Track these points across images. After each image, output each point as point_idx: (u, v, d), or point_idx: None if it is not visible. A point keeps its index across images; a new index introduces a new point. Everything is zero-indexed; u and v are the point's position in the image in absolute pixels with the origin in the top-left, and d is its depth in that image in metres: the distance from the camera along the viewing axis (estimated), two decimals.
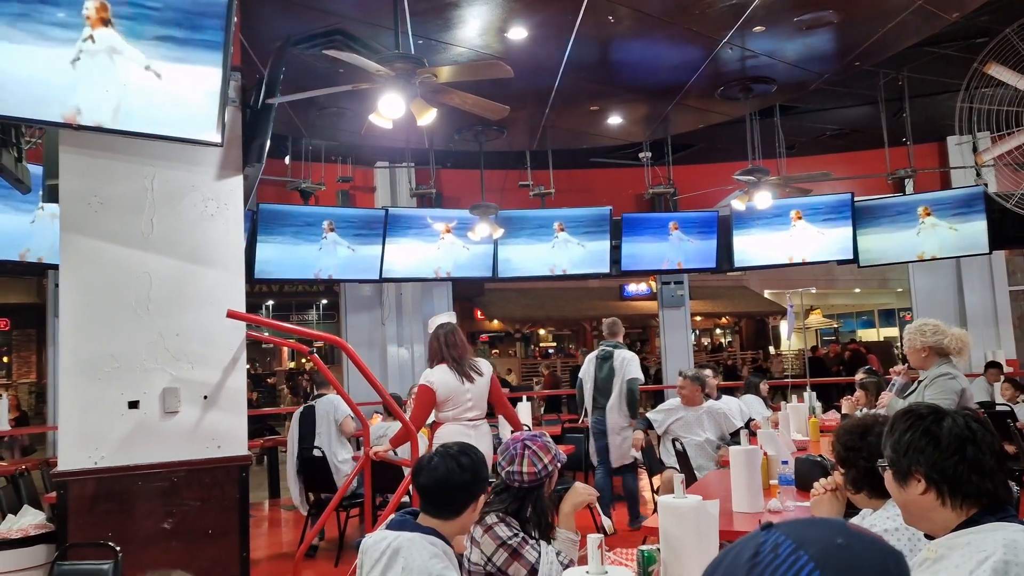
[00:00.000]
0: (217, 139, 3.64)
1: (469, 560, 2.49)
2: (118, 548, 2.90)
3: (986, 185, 9.18)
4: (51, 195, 4.03)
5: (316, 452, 6.31)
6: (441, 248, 9.47)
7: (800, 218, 9.66)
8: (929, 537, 1.75)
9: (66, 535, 3.72)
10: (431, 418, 4.74)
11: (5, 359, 18.25)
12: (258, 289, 18.21)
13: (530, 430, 2.92)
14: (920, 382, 4.32)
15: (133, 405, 3.91)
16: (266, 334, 6.15)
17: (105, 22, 3.31)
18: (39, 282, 10.78)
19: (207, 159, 4.20)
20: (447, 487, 2.25)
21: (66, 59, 3.27)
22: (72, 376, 3.83)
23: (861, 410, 5.77)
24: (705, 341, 26.37)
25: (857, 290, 24.96)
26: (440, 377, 4.65)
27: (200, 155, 4.16)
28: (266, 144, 4.39)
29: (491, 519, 2.48)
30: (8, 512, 4.49)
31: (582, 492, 2.58)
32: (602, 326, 7.43)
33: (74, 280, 3.89)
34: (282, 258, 8.65)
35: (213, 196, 4.21)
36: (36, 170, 4.47)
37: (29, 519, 4.25)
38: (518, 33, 6.22)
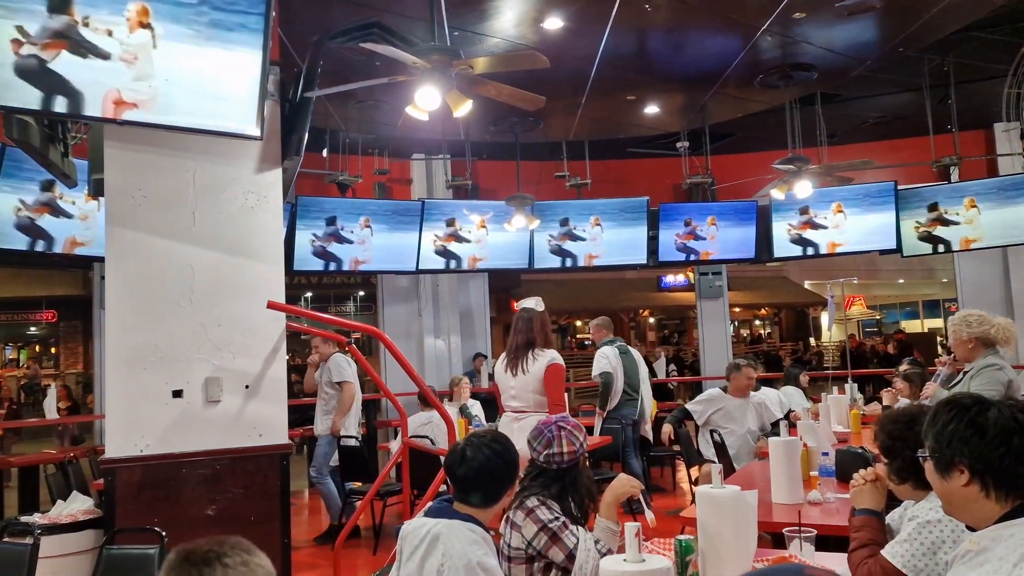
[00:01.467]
0: (256, 133, 3.68)
1: (509, 545, 2.50)
2: (164, 533, 2.97)
3: None
4: (97, 189, 4.12)
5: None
6: (477, 239, 9.49)
7: (841, 210, 9.51)
8: (971, 528, 1.72)
9: (113, 521, 3.82)
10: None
11: (53, 350, 18.73)
12: (297, 281, 18.42)
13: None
14: (966, 373, 4.24)
15: (177, 394, 3.99)
16: (305, 325, 6.23)
17: (144, 22, 3.37)
18: (85, 274, 11.02)
19: (247, 153, 4.26)
20: (485, 477, 2.27)
21: (110, 54, 3.33)
22: (118, 366, 3.92)
23: (901, 401, 5.67)
24: (744, 332, 26.11)
25: (901, 280, 24.50)
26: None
27: (240, 149, 4.22)
28: (304, 137, 4.44)
29: (532, 502, 2.50)
30: (58, 498, 4.62)
31: (625, 483, 2.58)
32: (598, 324, 7.20)
33: (120, 272, 3.97)
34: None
35: (253, 189, 4.28)
36: (83, 164, 4.56)
37: (78, 505, 4.37)
38: (554, 23, 6.19)
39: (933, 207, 9.21)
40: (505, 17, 6.06)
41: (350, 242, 8.91)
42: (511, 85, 5.05)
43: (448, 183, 10.31)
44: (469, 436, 2.42)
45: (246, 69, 3.60)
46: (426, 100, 4.28)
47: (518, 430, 4.48)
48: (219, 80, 3.56)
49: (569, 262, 9.82)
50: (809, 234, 9.67)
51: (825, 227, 9.62)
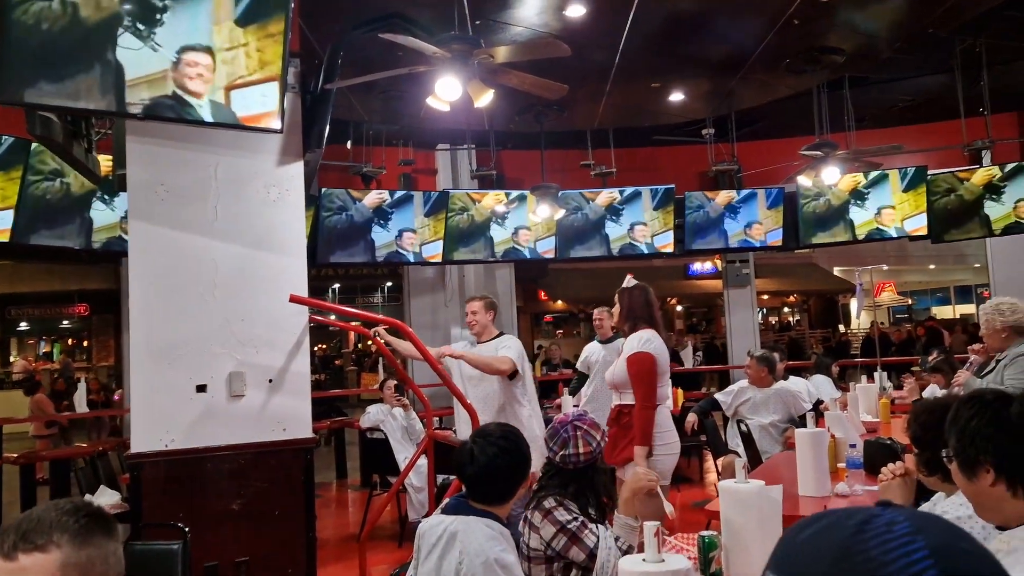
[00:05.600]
0: (278, 126, 3.67)
1: (528, 546, 2.48)
2: (187, 529, 2.99)
3: None
4: (120, 184, 4.15)
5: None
6: (504, 229, 9.47)
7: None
8: (1001, 528, 1.67)
9: (140, 515, 3.85)
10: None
11: (86, 343, 19.02)
12: (324, 272, 18.52)
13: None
14: (999, 361, 4.15)
15: (201, 389, 4.01)
16: (332, 317, 6.24)
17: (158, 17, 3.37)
18: (116, 268, 11.16)
19: (268, 146, 4.26)
20: (494, 475, 2.24)
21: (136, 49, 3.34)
22: (142, 361, 3.95)
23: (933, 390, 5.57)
24: (772, 320, 25.84)
25: (932, 266, 24.08)
26: (660, 344, 3.95)
27: (261, 142, 4.22)
28: (325, 130, 4.43)
29: (549, 503, 2.47)
30: (87, 492, 4.68)
31: (642, 477, 2.54)
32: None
33: (143, 267, 4.00)
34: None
35: (275, 182, 4.28)
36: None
37: (106, 499, 4.43)
38: (576, 10, 6.13)
39: None
40: (527, 5, 6.01)
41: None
42: (534, 74, 5.01)
43: (473, 173, 10.29)
44: (475, 433, 2.38)
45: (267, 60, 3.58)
46: (447, 90, 4.25)
47: (667, 417, 4.01)
48: (239, 72, 3.55)
49: (597, 252, 9.76)
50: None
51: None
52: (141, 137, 4.03)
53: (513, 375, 4.55)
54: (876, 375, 6.77)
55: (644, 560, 1.60)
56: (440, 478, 5.38)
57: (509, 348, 4.58)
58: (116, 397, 11.55)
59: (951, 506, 2.13)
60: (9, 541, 1.21)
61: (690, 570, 1.59)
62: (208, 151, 4.14)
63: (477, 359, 4.52)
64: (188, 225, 4.08)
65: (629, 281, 4.20)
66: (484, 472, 2.23)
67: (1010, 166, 9.08)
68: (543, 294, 21.52)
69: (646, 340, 3.94)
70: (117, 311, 11.49)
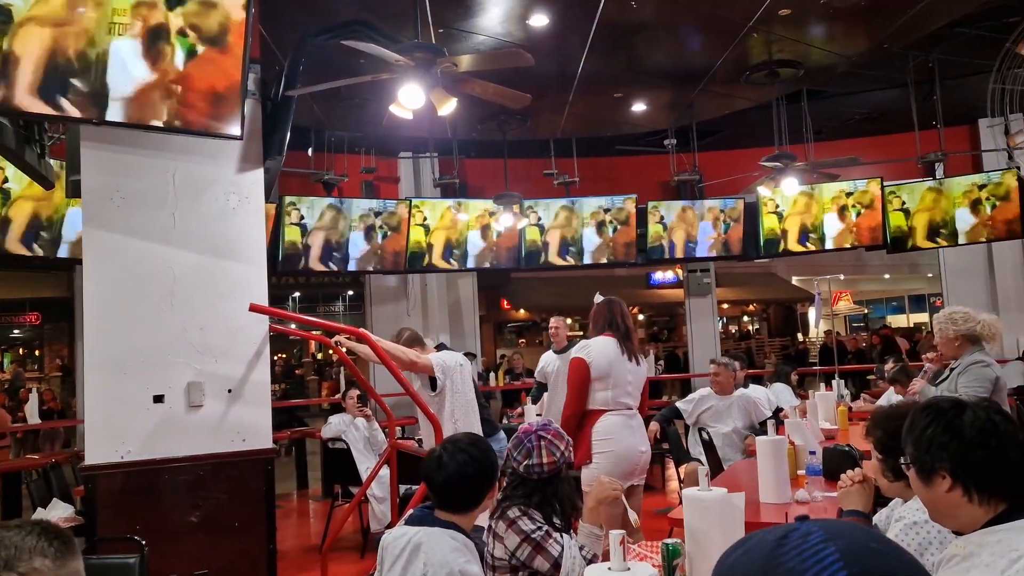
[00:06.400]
0: (237, 132, 3.63)
1: (492, 555, 2.46)
2: (144, 542, 2.92)
3: (1019, 168, 8.98)
4: (74, 190, 4.06)
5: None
6: (465, 238, 9.46)
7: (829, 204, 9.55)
8: (957, 533, 1.69)
9: (95, 528, 3.76)
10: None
11: (37, 352, 18.56)
12: (284, 281, 18.32)
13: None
14: (952, 369, 4.24)
15: (158, 399, 3.93)
16: (292, 327, 6.17)
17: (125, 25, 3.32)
18: (69, 276, 10.92)
19: (227, 153, 4.20)
20: (462, 483, 2.23)
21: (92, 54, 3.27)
22: (97, 370, 3.86)
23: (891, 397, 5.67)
24: (732, 328, 26.15)
25: (887, 276, 24.58)
26: (599, 347, 4.02)
27: (220, 149, 4.16)
28: (286, 136, 4.39)
29: (513, 513, 2.45)
30: (39, 505, 4.55)
31: (607, 486, 2.54)
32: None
33: (98, 275, 3.91)
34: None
35: (235, 190, 4.22)
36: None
37: (59, 512, 4.31)
38: (540, 20, 6.16)
39: None
40: (490, 14, 6.02)
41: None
42: (497, 83, 5.01)
43: (436, 182, 10.26)
44: (445, 441, 2.37)
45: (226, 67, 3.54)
46: (410, 98, 4.23)
47: (637, 428, 4.10)
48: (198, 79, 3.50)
49: (558, 260, 9.79)
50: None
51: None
52: (95, 143, 3.95)
53: (433, 386, 4.52)
54: (834, 383, 6.88)
55: (610, 569, 1.60)
56: (403, 488, 5.34)
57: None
58: (74, 406, 11.29)
59: (908, 511, 2.16)
60: None
61: None
62: (165, 157, 4.07)
63: (390, 346, 4.40)
64: (145, 232, 4.01)
65: (597, 298, 4.32)
66: (452, 480, 2.21)
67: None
68: (506, 303, 21.53)
69: (582, 346, 4.09)
70: (70, 319, 11.24)
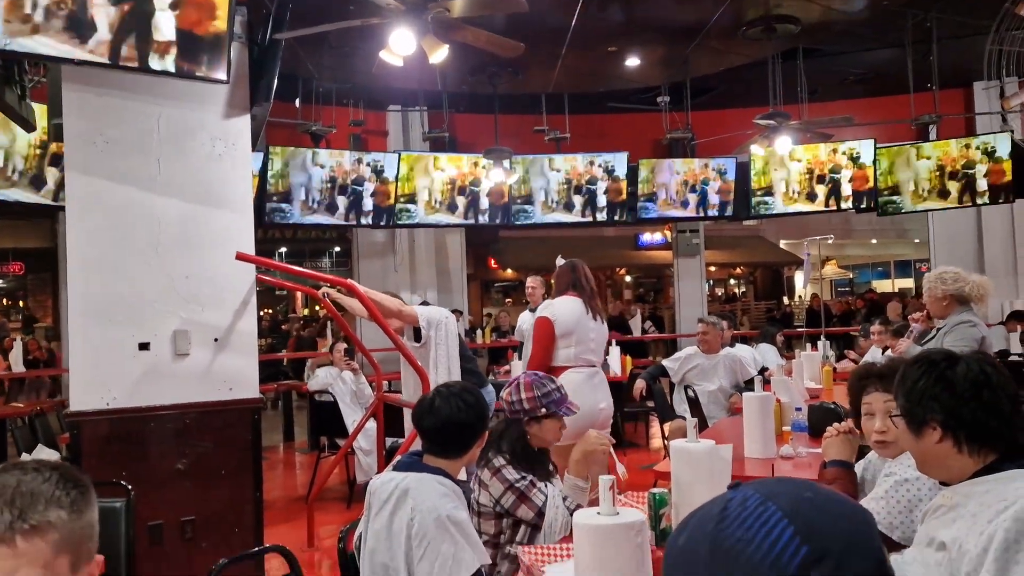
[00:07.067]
0: (223, 76, 3.54)
1: (478, 502, 2.48)
2: (130, 487, 2.90)
3: (1012, 131, 8.96)
4: (56, 134, 3.97)
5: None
6: (454, 194, 9.38)
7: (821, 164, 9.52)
8: (944, 484, 1.70)
9: None
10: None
11: (21, 304, 18.41)
12: (270, 235, 18.18)
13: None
14: (939, 329, 4.25)
15: (144, 347, 3.89)
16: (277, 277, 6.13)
17: None
18: (52, 225, 10.78)
19: (213, 98, 4.11)
20: (452, 427, 2.23)
21: None
22: (82, 317, 3.81)
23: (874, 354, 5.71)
24: (719, 291, 26.24)
25: (874, 241, 24.66)
26: (563, 306, 4.11)
27: (206, 94, 4.07)
28: (274, 82, 4.29)
29: (498, 461, 2.48)
30: (24, 451, 4.54)
31: (594, 440, 2.54)
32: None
33: (81, 221, 3.84)
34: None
35: (221, 136, 4.14)
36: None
37: (44, 457, 4.28)
38: None
39: None
40: None
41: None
42: (489, 31, 4.91)
43: (425, 135, 10.15)
44: (438, 387, 2.37)
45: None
46: (400, 44, 4.15)
47: (599, 385, 4.18)
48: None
49: (547, 219, 9.75)
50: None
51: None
52: (78, 84, 3.85)
53: (418, 337, 4.52)
54: (819, 344, 6.92)
55: (599, 513, 1.60)
56: (389, 441, 5.35)
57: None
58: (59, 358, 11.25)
59: (898, 467, 2.17)
60: (4, 521, 1.06)
61: (644, 523, 1.59)
62: (150, 101, 3.97)
63: (376, 296, 4.42)
64: (129, 178, 3.93)
65: (559, 261, 4.39)
66: (444, 425, 2.22)
67: None
68: (493, 262, 21.50)
69: (547, 305, 4.18)
70: (54, 270, 11.13)
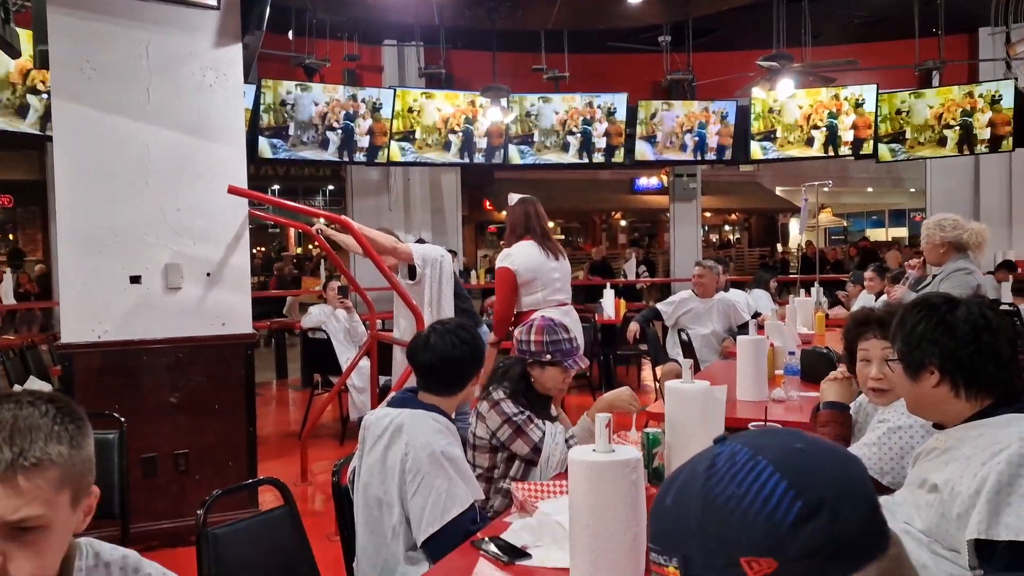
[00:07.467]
0: (213, 1, 3.43)
1: (474, 435, 2.49)
2: (123, 420, 2.90)
3: (1016, 79, 8.84)
4: (42, 61, 3.86)
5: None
6: (449, 131, 9.25)
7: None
8: (937, 427, 1.70)
9: None
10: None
11: (11, 237, 18.26)
12: (263, 172, 17.99)
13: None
14: (935, 276, 4.24)
15: (135, 280, 3.86)
16: (270, 212, 6.05)
17: None
18: (40, 157, 10.62)
19: (204, 26, 4.00)
20: (447, 364, 2.22)
21: None
22: (71, 249, 3.77)
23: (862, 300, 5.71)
24: (714, 237, 26.22)
25: (870, 189, 24.58)
26: (522, 254, 4.05)
27: (197, 20, 3.96)
28: (266, 10, 4.17)
29: (498, 394, 2.49)
30: (15, 383, 4.53)
31: (625, 396, 2.52)
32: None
33: (69, 149, 3.77)
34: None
35: (212, 65, 4.03)
36: None
37: (36, 388, 4.28)
38: None
39: None
40: None
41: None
42: None
43: (421, 71, 9.96)
44: (433, 324, 2.35)
45: None
46: None
47: (575, 323, 4.14)
48: None
49: (544, 159, 9.64)
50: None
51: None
52: (64, 8, 3.74)
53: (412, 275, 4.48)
54: (813, 290, 6.92)
55: (594, 450, 1.59)
56: (382, 379, 5.36)
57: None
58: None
59: (892, 414, 2.16)
60: (4, 459, 1.01)
61: (639, 461, 1.59)
62: (139, 27, 3.86)
63: (370, 232, 4.36)
64: (118, 107, 3.84)
65: (512, 199, 4.26)
66: (439, 360, 2.21)
67: None
68: (488, 203, 21.37)
69: (505, 255, 4.11)
70: (43, 202, 11.00)
